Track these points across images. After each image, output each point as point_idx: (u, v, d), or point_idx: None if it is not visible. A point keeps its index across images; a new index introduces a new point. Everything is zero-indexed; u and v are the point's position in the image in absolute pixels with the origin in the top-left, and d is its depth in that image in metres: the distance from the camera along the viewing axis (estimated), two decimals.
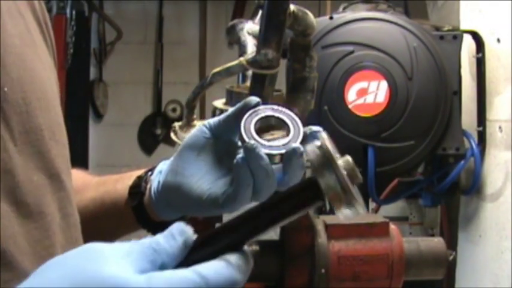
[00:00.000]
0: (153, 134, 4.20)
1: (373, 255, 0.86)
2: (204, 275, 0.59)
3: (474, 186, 2.08)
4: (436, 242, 0.93)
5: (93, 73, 4.17)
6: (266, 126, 0.82)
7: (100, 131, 4.17)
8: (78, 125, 3.95)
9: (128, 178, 1.02)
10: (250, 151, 0.82)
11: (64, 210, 0.80)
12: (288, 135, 0.82)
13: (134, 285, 0.58)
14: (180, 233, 0.62)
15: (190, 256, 0.61)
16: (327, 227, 0.86)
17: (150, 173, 0.99)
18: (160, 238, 0.61)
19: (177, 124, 0.91)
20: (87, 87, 4.09)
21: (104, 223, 1.03)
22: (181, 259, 0.61)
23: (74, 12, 3.82)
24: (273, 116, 0.83)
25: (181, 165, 0.89)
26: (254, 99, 0.84)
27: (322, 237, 0.84)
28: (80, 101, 3.97)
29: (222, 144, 0.90)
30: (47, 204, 0.77)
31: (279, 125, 0.82)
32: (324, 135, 0.65)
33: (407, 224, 2.42)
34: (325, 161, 0.61)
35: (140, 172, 1.01)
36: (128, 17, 4.18)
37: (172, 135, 0.91)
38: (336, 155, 0.62)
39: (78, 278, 0.58)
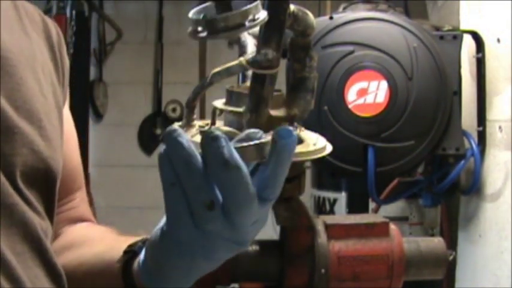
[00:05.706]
0: (153, 134, 4.20)
1: (373, 255, 0.86)
2: None
3: (474, 186, 2.08)
4: (436, 242, 0.93)
5: (93, 73, 4.17)
6: None
7: (100, 131, 4.17)
8: (78, 125, 3.83)
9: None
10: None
11: None
12: None
13: None
14: None
15: None
16: (327, 227, 0.86)
17: None
18: None
19: (177, 124, 0.90)
20: (87, 87, 4.09)
21: (95, 281, 0.87)
22: None
23: (74, 12, 3.82)
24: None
25: None
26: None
27: (322, 237, 0.84)
28: (80, 101, 3.96)
29: None
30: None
31: None
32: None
33: (407, 224, 2.41)
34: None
35: None
36: (128, 17, 4.18)
37: None
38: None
39: None
